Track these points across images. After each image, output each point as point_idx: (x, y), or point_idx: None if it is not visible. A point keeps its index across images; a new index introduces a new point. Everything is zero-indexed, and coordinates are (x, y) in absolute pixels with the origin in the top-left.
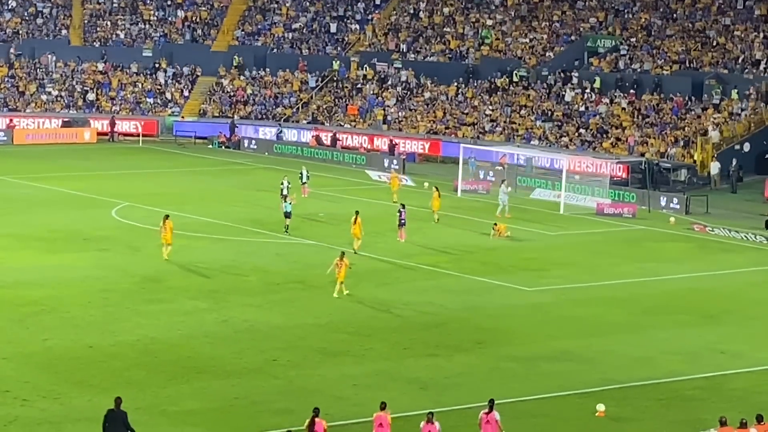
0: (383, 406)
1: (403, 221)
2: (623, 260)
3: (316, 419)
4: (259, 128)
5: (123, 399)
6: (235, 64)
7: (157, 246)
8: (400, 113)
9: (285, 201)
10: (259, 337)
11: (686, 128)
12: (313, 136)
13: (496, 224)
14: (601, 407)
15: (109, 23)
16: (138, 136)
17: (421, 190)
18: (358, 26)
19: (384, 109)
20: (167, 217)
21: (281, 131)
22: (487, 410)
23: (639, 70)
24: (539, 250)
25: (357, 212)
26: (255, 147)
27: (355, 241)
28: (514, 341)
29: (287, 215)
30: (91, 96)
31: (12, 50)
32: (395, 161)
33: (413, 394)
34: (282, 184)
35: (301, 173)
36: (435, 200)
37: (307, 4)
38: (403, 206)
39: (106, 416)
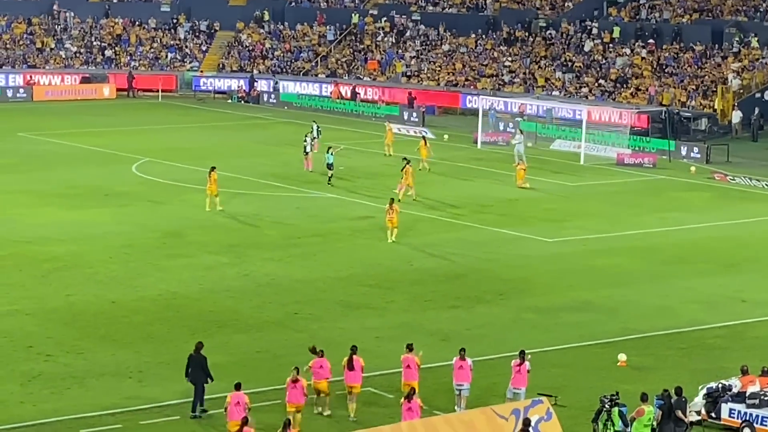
0: (410, 347)
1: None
2: (644, 210)
3: (354, 356)
4: (279, 82)
5: (145, 353)
6: (264, 17)
7: (179, 201)
8: (420, 66)
9: (327, 152)
10: (281, 291)
11: (706, 77)
12: (335, 87)
13: (522, 160)
14: (622, 357)
15: None
16: (157, 91)
17: (440, 143)
18: None
19: (403, 62)
20: (213, 168)
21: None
22: (519, 360)
23: (659, 19)
24: (559, 201)
25: (408, 162)
26: (274, 101)
27: (410, 190)
28: (535, 292)
29: (329, 166)
30: (109, 52)
31: (55, 7)
32: (414, 114)
33: (435, 346)
34: (305, 140)
35: (312, 128)
36: (422, 149)
37: None
38: (406, 158)
39: (188, 360)
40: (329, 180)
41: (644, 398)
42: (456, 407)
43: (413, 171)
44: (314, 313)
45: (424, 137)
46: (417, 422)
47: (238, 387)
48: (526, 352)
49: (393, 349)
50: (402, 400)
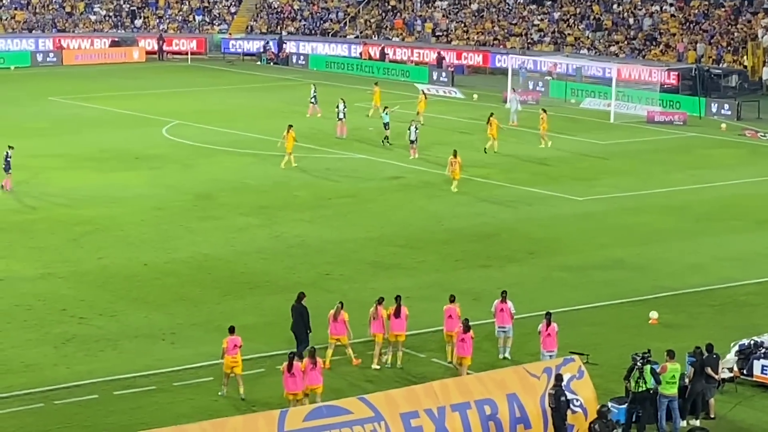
0: (452, 299)
1: (411, 139)
2: (674, 167)
3: (401, 305)
4: (308, 44)
5: (178, 315)
6: None
7: (209, 163)
8: (448, 25)
9: (383, 111)
10: (312, 252)
11: (737, 33)
12: (363, 48)
13: (543, 111)
14: (654, 314)
15: None
16: (186, 54)
17: (470, 102)
18: None
19: (432, 22)
20: (291, 126)
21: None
22: (545, 324)
23: None
24: (590, 160)
25: (492, 114)
26: (303, 62)
27: (490, 141)
28: (566, 251)
29: (386, 126)
30: (138, 15)
31: None
32: (443, 73)
33: (466, 305)
34: (337, 107)
35: (311, 91)
36: (421, 104)
37: None
38: (413, 122)
39: (291, 311)
40: (385, 139)
41: (671, 355)
42: (500, 349)
43: (497, 124)
44: (345, 274)
45: (423, 92)
46: (449, 381)
47: (232, 331)
48: (549, 311)
49: (424, 309)
50: (457, 331)
